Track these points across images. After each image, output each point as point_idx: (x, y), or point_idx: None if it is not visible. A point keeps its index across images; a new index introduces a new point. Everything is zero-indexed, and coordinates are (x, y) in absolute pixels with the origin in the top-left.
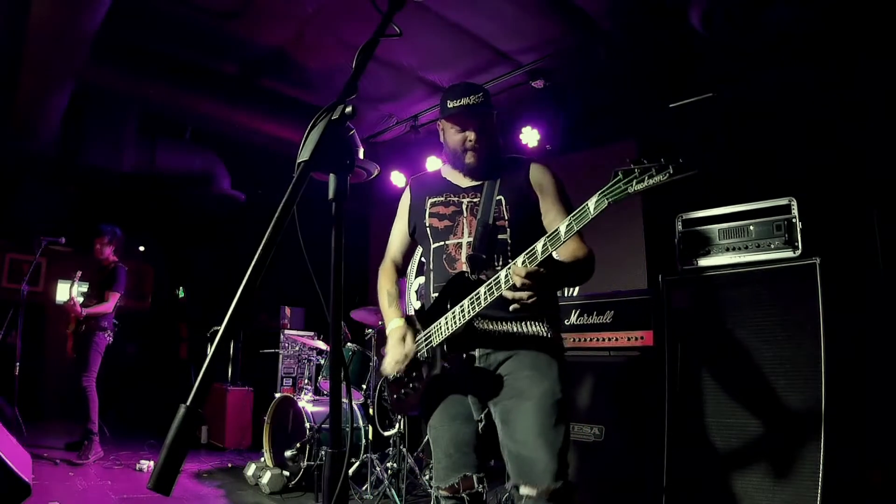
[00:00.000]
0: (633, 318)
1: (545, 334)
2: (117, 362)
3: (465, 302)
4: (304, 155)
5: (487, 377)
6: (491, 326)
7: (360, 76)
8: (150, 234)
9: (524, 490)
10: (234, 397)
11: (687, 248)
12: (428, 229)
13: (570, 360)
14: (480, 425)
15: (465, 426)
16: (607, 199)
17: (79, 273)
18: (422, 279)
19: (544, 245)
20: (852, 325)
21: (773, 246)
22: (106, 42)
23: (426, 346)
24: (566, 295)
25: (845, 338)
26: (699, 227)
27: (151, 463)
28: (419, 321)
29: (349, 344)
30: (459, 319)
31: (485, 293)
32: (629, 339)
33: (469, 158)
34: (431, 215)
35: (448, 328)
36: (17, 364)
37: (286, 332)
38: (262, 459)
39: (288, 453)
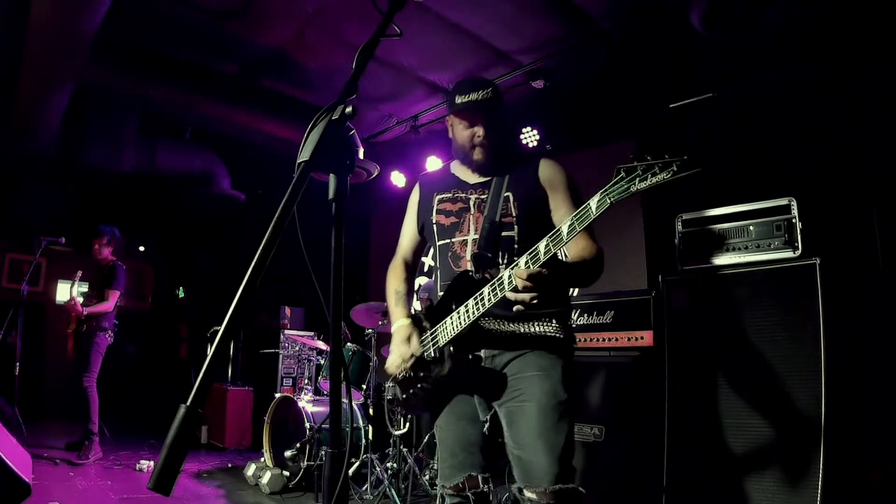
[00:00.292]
0: (634, 319)
1: (553, 334)
2: (117, 362)
3: (471, 302)
4: (304, 155)
5: (493, 378)
6: (497, 326)
7: (360, 76)
8: (150, 234)
9: (527, 493)
10: (235, 397)
11: (687, 249)
12: (435, 226)
13: None
14: (486, 426)
15: (470, 426)
16: (609, 198)
17: (79, 273)
18: (422, 279)
19: (547, 246)
20: (852, 326)
21: (773, 246)
22: (106, 42)
23: (433, 346)
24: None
25: (845, 338)
26: (699, 228)
27: (151, 463)
28: (426, 320)
29: (349, 344)
30: (465, 320)
31: (489, 293)
32: (629, 340)
33: (477, 154)
34: (439, 212)
35: (454, 328)
36: (17, 364)
37: (286, 332)
38: (262, 459)
39: (288, 453)
